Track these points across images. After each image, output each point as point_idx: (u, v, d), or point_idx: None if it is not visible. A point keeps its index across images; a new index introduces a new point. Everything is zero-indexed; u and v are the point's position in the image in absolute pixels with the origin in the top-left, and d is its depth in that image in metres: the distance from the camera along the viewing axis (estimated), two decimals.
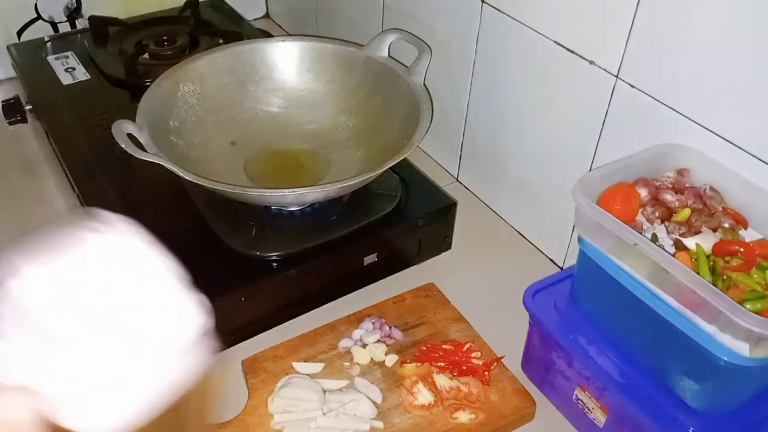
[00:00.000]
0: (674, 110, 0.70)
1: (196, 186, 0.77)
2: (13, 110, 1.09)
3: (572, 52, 0.79)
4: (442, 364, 0.76)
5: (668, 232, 0.63)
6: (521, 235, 0.98)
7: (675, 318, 0.59)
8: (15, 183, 1.05)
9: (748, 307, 0.54)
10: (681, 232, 0.62)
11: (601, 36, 0.75)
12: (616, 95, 0.75)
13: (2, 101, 1.10)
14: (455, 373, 0.75)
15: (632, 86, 0.73)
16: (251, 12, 1.44)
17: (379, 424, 0.71)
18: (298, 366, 0.76)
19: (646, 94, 0.72)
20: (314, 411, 0.71)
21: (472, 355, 0.78)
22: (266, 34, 1.20)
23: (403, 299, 0.85)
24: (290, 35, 1.32)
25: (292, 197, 0.81)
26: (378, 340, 0.79)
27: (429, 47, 0.93)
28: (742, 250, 0.59)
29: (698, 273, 0.57)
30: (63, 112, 1.03)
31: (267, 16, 1.49)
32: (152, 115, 0.85)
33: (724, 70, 0.64)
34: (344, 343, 0.79)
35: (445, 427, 0.71)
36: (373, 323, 0.81)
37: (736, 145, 0.65)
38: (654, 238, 0.62)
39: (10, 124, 1.10)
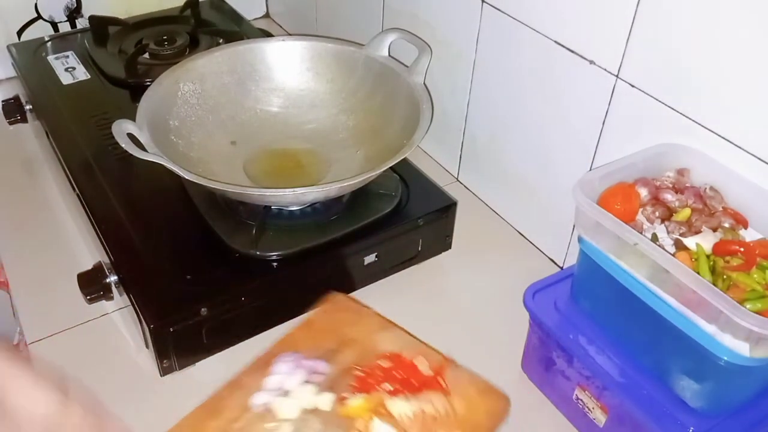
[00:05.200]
0: (674, 110, 0.70)
1: (196, 186, 0.77)
2: (13, 110, 1.09)
3: (572, 51, 0.79)
4: (390, 388, 0.64)
5: (668, 232, 0.63)
6: (521, 235, 0.98)
7: (675, 318, 0.59)
8: (15, 183, 1.05)
9: (748, 306, 0.54)
10: (681, 231, 0.62)
11: (601, 36, 0.75)
12: (616, 95, 0.75)
13: (2, 101, 1.10)
14: (408, 394, 0.64)
15: (632, 86, 0.73)
16: (251, 12, 1.44)
17: None
18: None
19: (646, 94, 0.72)
20: None
21: (418, 365, 0.67)
22: (266, 34, 1.20)
23: (312, 322, 0.72)
24: (290, 35, 1.31)
25: (292, 197, 0.81)
26: (302, 382, 0.64)
27: (429, 47, 0.93)
28: (742, 249, 0.59)
29: (698, 273, 0.57)
30: (63, 112, 1.03)
31: (267, 16, 1.49)
32: (152, 114, 0.85)
33: (724, 70, 0.64)
34: (259, 400, 0.62)
35: None
36: (287, 363, 0.65)
37: (736, 145, 0.65)
38: (654, 238, 0.62)
39: (10, 124, 1.10)
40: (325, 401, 0.62)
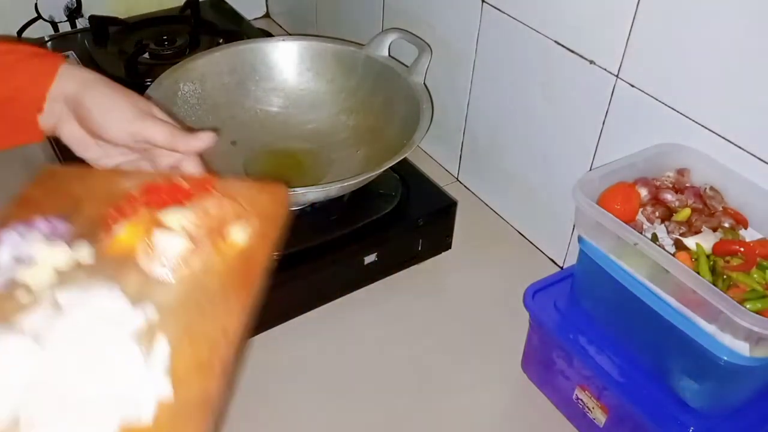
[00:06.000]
0: (674, 110, 0.70)
1: None
2: None
3: (572, 51, 0.79)
4: (156, 209, 0.52)
5: (668, 232, 0.63)
6: (521, 234, 0.98)
7: (675, 318, 0.59)
8: (15, 183, 1.05)
9: (748, 306, 0.54)
10: (681, 231, 0.62)
11: (601, 36, 0.75)
12: (616, 95, 0.75)
13: None
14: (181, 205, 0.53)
15: (632, 86, 0.73)
16: (251, 12, 1.44)
17: (150, 312, 0.45)
18: None
19: (646, 94, 0.72)
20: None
21: (179, 183, 0.55)
22: (266, 34, 1.20)
23: (25, 198, 0.59)
24: (290, 35, 1.31)
25: (292, 197, 0.81)
26: (44, 242, 0.50)
27: (429, 47, 0.93)
28: (742, 249, 0.59)
29: (698, 273, 0.57)
30: None
31: (267, 15, 1.49)
32: None
33: (724, 70, 0.64)
34: None
35: (228, 262, 0.50)
36: (15, 230, 0.51)
37: (736, 145, 0.65)
38: (654, 238, 0.62)
39: None
40: (84, 253, 0.49)
